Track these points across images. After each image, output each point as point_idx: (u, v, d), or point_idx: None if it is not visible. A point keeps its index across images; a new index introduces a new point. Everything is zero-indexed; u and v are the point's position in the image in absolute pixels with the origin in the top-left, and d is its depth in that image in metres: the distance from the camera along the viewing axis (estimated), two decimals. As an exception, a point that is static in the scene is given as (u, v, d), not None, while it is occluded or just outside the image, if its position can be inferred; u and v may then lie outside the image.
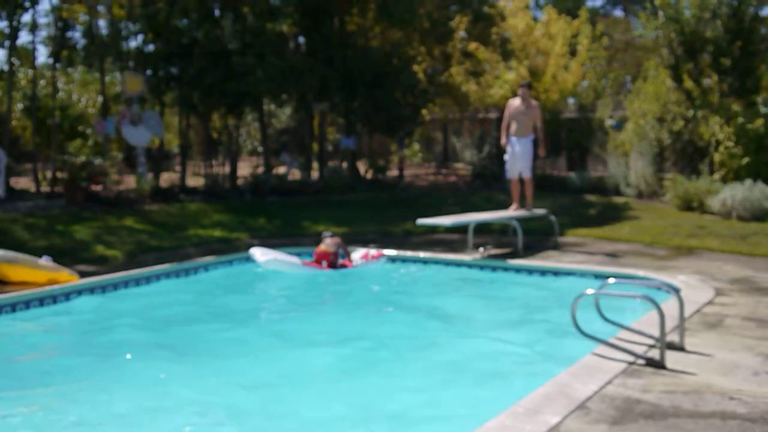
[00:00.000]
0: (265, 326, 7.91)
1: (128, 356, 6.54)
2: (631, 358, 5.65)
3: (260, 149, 24.00)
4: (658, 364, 5.53)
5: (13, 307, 8.19)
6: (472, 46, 22.61)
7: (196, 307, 8.64)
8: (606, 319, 6.21)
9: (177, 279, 10.17)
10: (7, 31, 20.76)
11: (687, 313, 6.83)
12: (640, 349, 5.82)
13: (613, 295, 6.14)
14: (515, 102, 12.46)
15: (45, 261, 9.32)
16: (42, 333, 7.62)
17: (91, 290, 9.12)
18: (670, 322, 6.23)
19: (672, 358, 5.63)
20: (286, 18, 18.46)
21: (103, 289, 9.27)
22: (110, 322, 7.80)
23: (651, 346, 5.89)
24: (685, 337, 6.08)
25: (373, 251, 11.13)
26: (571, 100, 23.39)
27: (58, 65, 23.53)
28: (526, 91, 12.36)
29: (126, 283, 9.55)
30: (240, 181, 18.96)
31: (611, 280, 6.22)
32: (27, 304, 8.33)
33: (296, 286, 10.06)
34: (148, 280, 9.84)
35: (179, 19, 17.35)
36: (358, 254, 11.10)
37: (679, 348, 5.94)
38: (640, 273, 9.33)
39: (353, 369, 6.27)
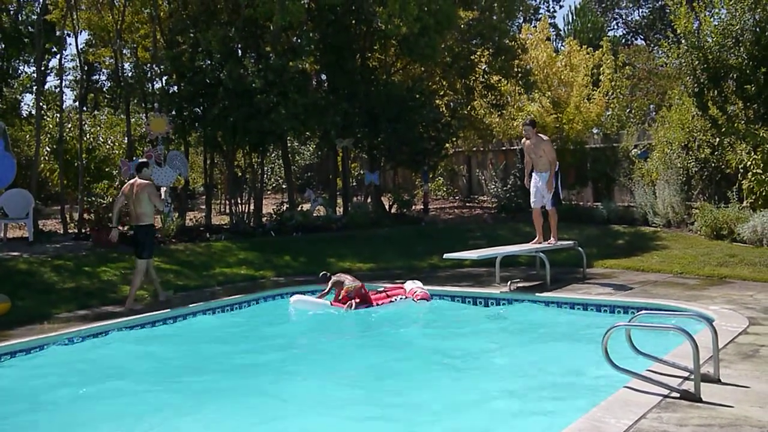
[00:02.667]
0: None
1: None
2: (665, 391, 5.52)
3: (284, 186, 24.06)
4: (693, 397, 5.40)
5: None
6: (494, 78, 22.64)
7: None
8: (638, 352, 6.09)
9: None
10: (35, 76, 21.14)
11: (721, 343, 6.67)
12: (674, 382, 5.69)
13: (645, 327, 6.03)
14: (526, 141, 12.52)
15: None
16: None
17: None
18: (704, 353, 6.07)
19: (707, 391, 5.50)
20: (308, 56, 18.60)
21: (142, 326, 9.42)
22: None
23: (685, 379, 5.78)
24: (720, 369, 5.94)
25: (419, 291, 10.79)
26: (595, 130, 23.28)
27: (84, 108, 23.85)
28: (529, 129, 12.46)
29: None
30: (265, 219, 18.99)
31: (642, 312, 6.11)
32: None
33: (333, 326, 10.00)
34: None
35: (202, 60, 17.53)
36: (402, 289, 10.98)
37: (715, 380, 5.81)
38: (672, 304, 9.18)
39: (377, 401, 6.20)
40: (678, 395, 5.47)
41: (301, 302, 10.75)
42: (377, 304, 10.52)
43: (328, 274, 10.99)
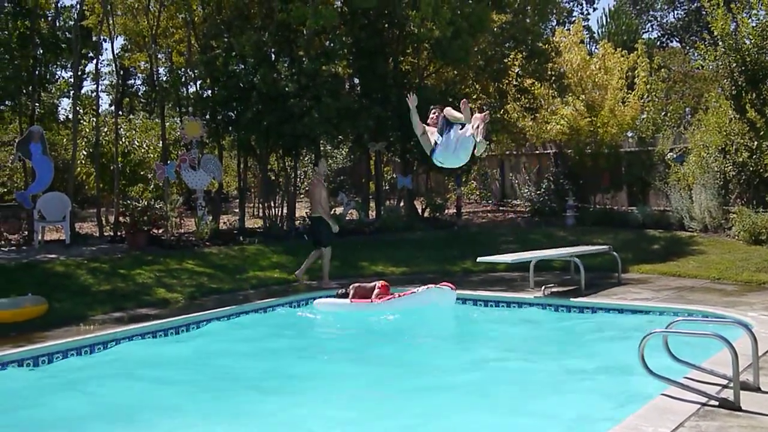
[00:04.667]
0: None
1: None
2: (703, 399, 5.43)
3: (318, 190, 24.12)
4: (732, 405, 5.31)
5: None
6: (527, 82, 22.52)
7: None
8: (675, 358, 6.00)
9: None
10: (72, 80, 21.40)
11: (760, 350, 6.52)
12: (712, 390, 5.59)
13: (683, 334, 5.94)
14: None
15: None
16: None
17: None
18: (743, 361, 5.93)
19: (747, 399, 5.39)
20: (341, 60, 18.63)
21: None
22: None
23: (724, 387, 5.67)
24: (760, 376, 5.83)
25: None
26: (630, 134, 23.07)
27: (120, 112, 24.12)
28: None
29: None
30: (297, 222, 19.04)
31: (679, 318, 6.02)
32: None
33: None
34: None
35: (236, 64, 17.63)
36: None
37: (754, 388, 5.70)
38: (709, 310, 9.03)
39: (411, 408, 6.17)
40: (716, 403, 5.37)
41: (324, 304, 10.85)
42: (398, 295, 10.47)
43: (344, 290, 10.95)
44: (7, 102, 19.21)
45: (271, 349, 8.68)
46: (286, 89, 16.73)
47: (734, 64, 16.58)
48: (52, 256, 13.97)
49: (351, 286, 10.79)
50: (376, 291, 10.51)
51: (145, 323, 9.42)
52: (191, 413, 6.41)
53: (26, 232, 16.18)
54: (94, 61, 22.40)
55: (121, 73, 38.38)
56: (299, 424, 6.03)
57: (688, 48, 38.45)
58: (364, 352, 8.61)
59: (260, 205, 21.04)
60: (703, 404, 5.36)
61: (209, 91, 18.68)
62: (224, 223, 19.38)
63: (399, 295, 10.43)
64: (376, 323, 10.02)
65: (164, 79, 21.76)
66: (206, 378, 7.51)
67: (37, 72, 18.70)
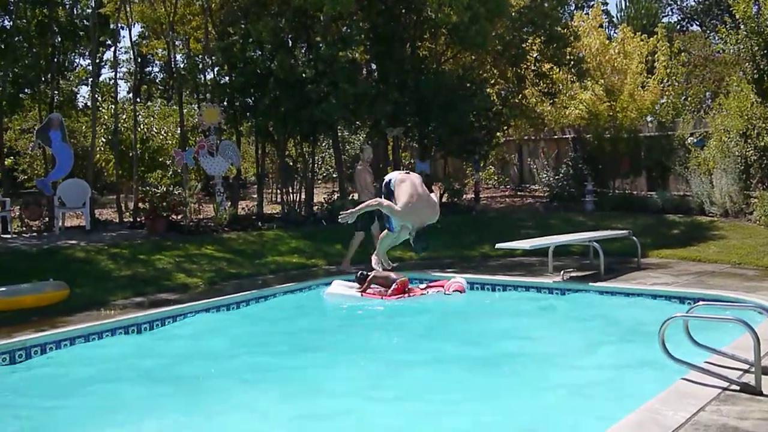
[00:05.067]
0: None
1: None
2: (724, 384, 5.40)
3: (335, 175, 24.13)
4: (753, 390, 5.27)
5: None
6: (546, 66, 22.37)
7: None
8: (696, 343, 5.97)
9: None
10: (90, 68, 21.50)
11: (782, 335, 6.48)
12: (733, 374, 5.57)
13: (704, 318, 5.91)
14: None
15: None
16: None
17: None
18: (765, 346, 5.89)
19: (769, 384, 5.35)
20: (358, 45, 18.58)
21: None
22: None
23: (745, 371, 5.63)
24: (783, 361, 5.79)
25: (453, 285, 10.55)
26: (649, 119, 22.89)
27: (138, 99, 24.20)
28: None
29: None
30: (316, 208, 19.07)
31: (700, 303, 5.99)
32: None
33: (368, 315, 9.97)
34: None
35: (253, 51, 17.63)
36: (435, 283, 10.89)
37: (777, 373, 5.66)
38: (730, 294, 8.97)
39: (432, 394, 6.18)
40: (738, 388, 5.34)
41: (333, 294, 10.75)
42: (408, 296, 10.42)
43: (365, 272, 10.90)
44: (26, 90, 19.34)
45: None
46: (304, 75, 16.72)
47: (756, 48, 16.38)
48: (73, 242, 14.06)
49: (372, 273, 10.70)
50: (393, 287, 10.42)
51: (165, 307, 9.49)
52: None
53: (47, 219, 16.29)
54: (112, 49, 22.47)
55: (139, 60, 38.55)
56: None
57: (708, 32, 38.05)
58: (376, 338, 8.61)
59: (278, 191, 21.09)
60: (724, 389, 5.33)
61: (227, 78, 18.69)
62: (242, 208, 19.45)
63: (408, 295, 10.40)
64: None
65: (182, 66, 21.79)
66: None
67: (55, 60, 18.78)
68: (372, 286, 10.60)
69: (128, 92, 39.00)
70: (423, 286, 10.83)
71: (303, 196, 19.32)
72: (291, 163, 20.41)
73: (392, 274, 10.60)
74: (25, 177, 23.18)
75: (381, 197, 8.25)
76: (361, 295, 10.51)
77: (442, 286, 10.52)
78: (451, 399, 6.03)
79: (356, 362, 7.41)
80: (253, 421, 5.76)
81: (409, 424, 5.59)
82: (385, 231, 9.14)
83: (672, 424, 4.67)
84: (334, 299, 10.61)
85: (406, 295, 10.41)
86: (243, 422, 5.75)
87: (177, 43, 22.80)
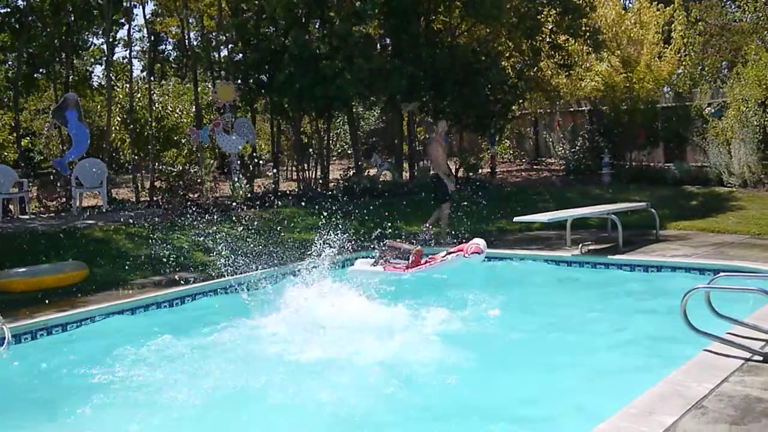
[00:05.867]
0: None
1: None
2: (747, 354, 5.37)
3: (350, 152, 24.12)
4: (777, 361, 5.24)
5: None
6: (561, 38, 22.16)
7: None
8: (718, 314, 5.93)
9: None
10: (104, 48, 21.51)
11: (805, 305, 6.42)
12: (756, 345, 5.54)
13: (725, 289, 5.86)
14: None
15: None
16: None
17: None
18: (788, 316, 5.87)
19: (792, 354, 5.32)
20: (372, 20, 18.46)
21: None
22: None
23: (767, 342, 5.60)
24: (805, 332, 5.75)
25: (471, 247, 10.40)
26: (666, 89, 22.67)
27: (152, 78, 24.20)
28: None
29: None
30: (331, 184, 19.06)
31: (721, 274, 5.95)
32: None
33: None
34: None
35: (267, 27, 17.56)
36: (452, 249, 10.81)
37: (800, 343, 5.62)
38: (750, 265, 8.91)
39: (458, 368, 6.19)
40: (761, 359, 5.31)
41: (357, 272, 10.61)
42: (429, 265, 10.39)
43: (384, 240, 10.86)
44: (41, 70, 19.37)
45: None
46: (318, 51, 16.66)
47: (774, 15, 16.19)
48: (90, 222, 14.11)
49: (386, 245, 10.68)
50: (411, 258, 10.40)
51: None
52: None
53: (64, 199, 16.36)
54: (126, 27, 22.43)
55: (152, 38, 38.52)
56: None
57: (725, 1, 37.54)
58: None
59: (294, 169, 21.09)
60: (747, 359, 5.30)
61: (241, 55, 18.65)
62: (258, 186, 19.46)
63: (427, 262, 10.37)
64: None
65: (196, 44, 21.75)
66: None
67: (69, 39, 18.77)
68: (392, 261, 10.54)
69: (142, 71, 39.00)
70: (443, 253, 10.74)
71: (319, 173, 19.29)
72: (306, 140, 20.39)
73: (405, 244, 10.59)
74: (42, 157, 23.27)
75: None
76: (384, 269, 10.47)
77: (461, 250, 10.43)
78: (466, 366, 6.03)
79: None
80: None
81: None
82: None
83: (696, 396, 4.65)
84: (358, 276, 10.53)
85: (427, 263, 10.37)
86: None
87: (191, 20, 22.72)
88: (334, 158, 28.20)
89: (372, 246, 11.42)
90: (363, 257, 11.20)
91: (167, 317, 8.65)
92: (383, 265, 10.54)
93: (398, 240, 10.90)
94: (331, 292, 8.39)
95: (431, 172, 13.75)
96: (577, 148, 22.27)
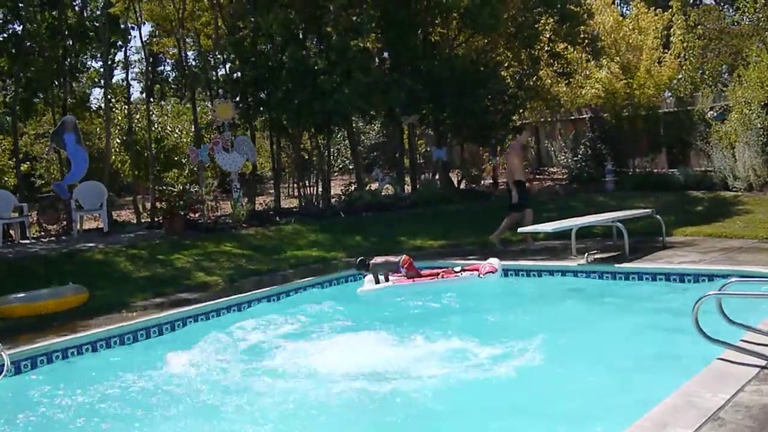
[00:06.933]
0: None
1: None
2: (762, 362, 5.22)
3: (351, 167, 24.03)
4: (794, 368, 5.08)
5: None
6: (560, 46, 22.09)
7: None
8: (730, 321, 5.78)
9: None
10: (102, 70, 21.47)
11: (818, 310, 6.25)
12: (772, 352, 5.37)
13: (738, 295, 5.72)
14: None
15: None
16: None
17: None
18: (802, 321, 5.69)
19: (808, 361, 5.16)
20: (370, 34, 18.39)
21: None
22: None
23: (783, 348, 5.44)
24: (820, 337, 5.58)
25: (486, 266, 10.31)
26: (667, 94, 22.55)
27: (151, 99, 24.17)
28: None
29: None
30: (333, 200, 18.94)
31: (732, 280, 5.80)
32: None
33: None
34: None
35: (264, 44, 17.49)
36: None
37: (815, 349, 5.46)
38: (761, 270, 8.75)
39: (462, 382, 6.05)
40: (777, 366, 5.16)
41: (368, 291, 10.48)
42: (442, 277, 10.25)
43: (366, 260, 10.71)
44: (39, 94, 19.32)
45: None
46: (316, 66, 16.57)
47: (774, 16, 16.09)
48: (91, 244, 14.00)
49: (371, 263, 10.56)
50: (403, 270, 10.25)
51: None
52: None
53: (65, 222, 16.26)
54: (123, 49, 22.42)
55: (151, 59, 38.56)
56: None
57: (723, 5, 37.52)
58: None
59: (295, 185, 20.99)
60: (763, 367, 5.15)
61: (239, 73, 18.58)
62: (260, 204, 19.36)
63: (443, 275, 10.23)
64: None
65: (193, 63, 21.73)
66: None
67: (66, 62, 18.74)
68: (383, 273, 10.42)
69: (141, 92, 39.05)
70: (458, 269, 10.59)
71: (320, 189, 19.19)
72: (307, 156, 20.30)
73: (390, 257, 10.45)
74: (43, 182, 23.21)
75: None
76: (393, 283, 10.34)
77: (477, 270, 10.30)
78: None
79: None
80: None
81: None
82: None
83: (711, 407, 4.49)
84: (370, 294, 10.39)
85: (439, 276, 10.24)
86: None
87: (188, 40, 22.71)
88: (336, 173, 28.13)
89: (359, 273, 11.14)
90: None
91: (168, 340, 8.50)
92: (389, 280, 10.40)
93: (378, 256, 10.73)
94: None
95: (506, 180, 14.19)
96: (580, 156, 22.15)
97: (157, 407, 6.15)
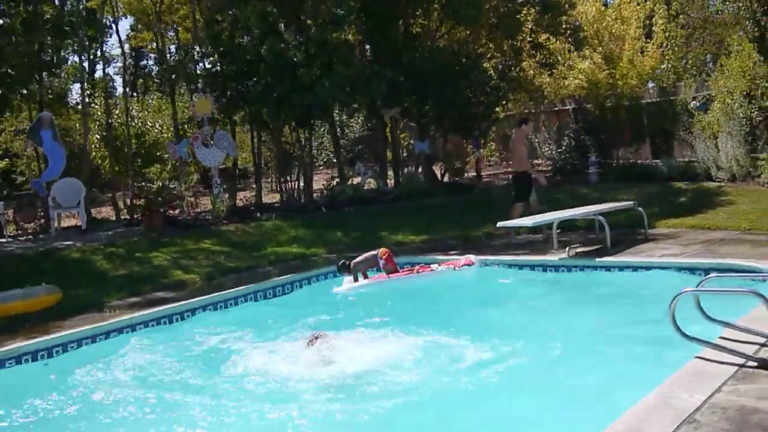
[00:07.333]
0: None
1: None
2: (740, 360, 5.10)
3: (335, 160, 23.87)
4: (772, 366, 4.98)
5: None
6: (542, 37, 21.96)
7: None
8: (708, 318, 5.67)
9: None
10: (82, 65, 21.21)
11: (798, 304, 6.11)
12: (750, 349, 5.26)
13: (715, 292, 5.61)
14: None
15: None
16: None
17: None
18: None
19: (788, 358, 5.05)
20: (350, 26, 18.22)
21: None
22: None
23: (762, 345, 5.33)
24: (801, 332, 5.47)
25: (462, 260, 10.24)
26: (650, 85, 22.46)
27: (134, 94, 23.92)
28: None
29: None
30: (315, 195, 18.78)
31: (711, 275, 5.69)
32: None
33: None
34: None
35: (242, 37, 17.30)
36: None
37: (795, 345, 5.36)
38: (742, 263, 8.65)
39: (430, 383, 5.93)
40: (755, 364, 5.04)
41: (344, 291, 10.36)
42: (418, 272, 10.11)
43: (347, 261, 10.58)
44: (16, 90, 19.02)
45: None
46: (295, 59, 16.39)
47: (756, 4, 15.99)
48: (69, 242, 13.83)
49: (351, 263, 10.42)
50: (381, 262, 10.14)
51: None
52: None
53: (42, 220, 16.05)
54: (101, 43, 22.13)
55: (133, 54, 38.21)
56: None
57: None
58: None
59: (277, 180, 20.83)
60: (741, 365, 5.04)
61: (218, 67, 18.38)
62: (241, 199, 19.19)
63: (419, 270, 10.10)
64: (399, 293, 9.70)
65: (172, 56, 21.49)
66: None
67: (43, 57, 18.47)
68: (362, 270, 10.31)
69: (123, 87, 38.74)
70: (435, 265, 10.47)
71: (302, 184, 19.03)
72: (291, 150, 20.10)
73: (368, 254, 10.33)
74: (24, 178, 22.95)
75: None
76: (370, 279, 10.22)
77: (455, 264, 10.17)
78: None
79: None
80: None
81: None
82: None
83: (688, 408, 4.38)
84: (348, 293, 10.26)
85: (415, 271, 10.11)
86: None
87: (170, 33, 22.47)
88: (320, 168, 27.97)
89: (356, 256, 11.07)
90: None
91: (144, 338, 8.34)
92: (366, 278, 10.28)
93: (358, 256, 10.60)
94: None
95: (513, 169, 14.13)
96: (564, 147, 22.04)
97: (114, 409, 6.00)
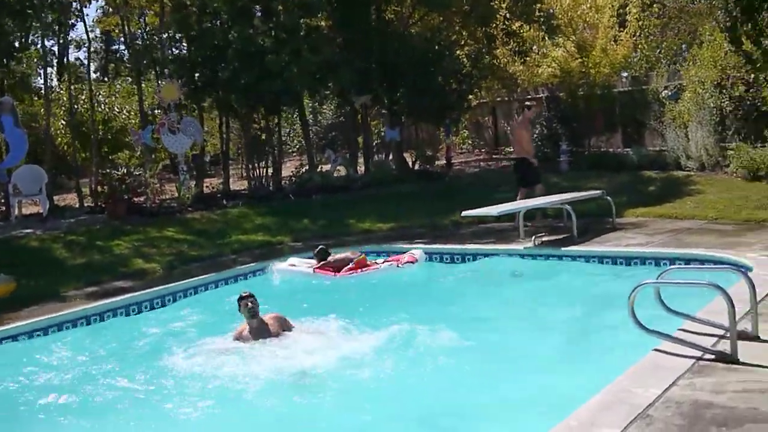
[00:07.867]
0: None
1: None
2: (698, 353, 5.01)
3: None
4: (729, 358, 4.89)
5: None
6: (516, 24, 21.80)
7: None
8: (669, 309, 5.56)
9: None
10: (50, 49, 20.78)
11: (759, 295, 5.94)
12: (708, 342, 5.19)
13: (674, 284, 5.50)
14: None
15: None
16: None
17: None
18: (742, 307, 5.42)
19: (745, 350, 4.95)
20: (320, 11, 17.96)
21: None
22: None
23: (720, 337, 5.23)
24: (759, 324, 5.36)
25: (405, 257, 9.98)
26: (624, 74, 22.39)
27: (105, 79, 23.52)
28: None
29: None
30: (284, 182, 18.55)
31: (672, 267, 5.59)
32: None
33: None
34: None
35: (210, 21, 17.00)
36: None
37: (753, 337, 5.28)
38: (706, 253, 8.59)
39: (383, 375, 5.79)
40: (713, 357, 4.95)
41: (282, 271, 10.24)
42: (360, 271, 9.85)
43: (326, 249, 10.39)
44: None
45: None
46: (263, 45, 16.14)
47: (728, -6, 15.93)
48: (28, 231, 13.55)
49: (333, 257, 10.22)
50: (350, 265, 9.93)
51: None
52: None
53: (3, 208, 15.71)
54: (75, 28, 21.75)
55: (104, 38, 37.67)
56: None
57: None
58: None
59: (246, 166, 20.57)
60: (698, 358, 4.94)
61: (185, 52, 18.08)
62: (208, 186, 18.92)
63: (360, 271, 9.85)
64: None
65: (138, 41, 21.11)
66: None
67: (5, 41, 18.07)
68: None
69: (94, 71, 38.18)
70: (381, 260, 10.28)
71: (270, 171, 18.80)
72: (260, 136, 19.82)
73: (350, 254, 10.14)
74: (-12, 165, 22.48)
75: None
76: (314, 271, 10.01)
77: (397, 260, 9.99)
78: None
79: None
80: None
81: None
82: None
83: (642, 403, 4.28)
84: (283, 275, 10.07)
85: (360, 270, 9.88)
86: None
87: (139, 18, 22.10)
88: (294, 154, 27.71)
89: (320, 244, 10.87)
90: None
91: (100, 331, 8.12)
92: (313, 267, 10.06)
93: (341, 253, 10.40)
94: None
95: (515, 155, 13.85)
96: (535, 135, 21.92)
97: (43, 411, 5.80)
